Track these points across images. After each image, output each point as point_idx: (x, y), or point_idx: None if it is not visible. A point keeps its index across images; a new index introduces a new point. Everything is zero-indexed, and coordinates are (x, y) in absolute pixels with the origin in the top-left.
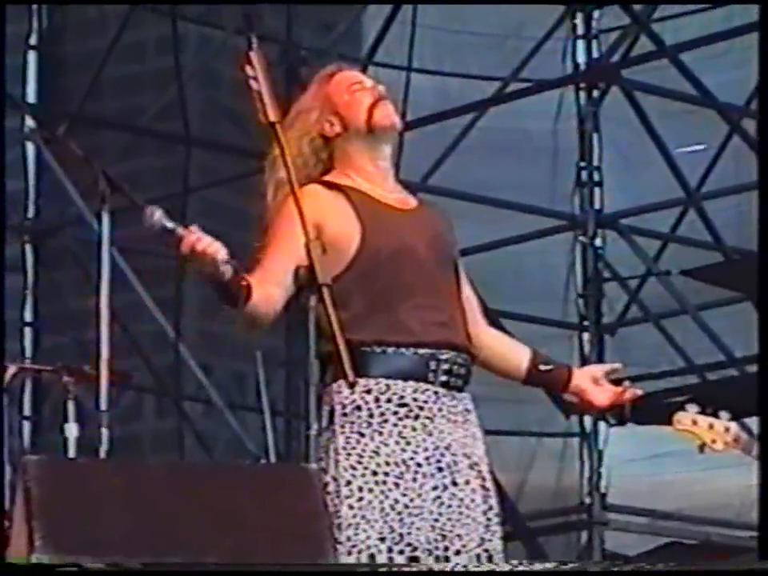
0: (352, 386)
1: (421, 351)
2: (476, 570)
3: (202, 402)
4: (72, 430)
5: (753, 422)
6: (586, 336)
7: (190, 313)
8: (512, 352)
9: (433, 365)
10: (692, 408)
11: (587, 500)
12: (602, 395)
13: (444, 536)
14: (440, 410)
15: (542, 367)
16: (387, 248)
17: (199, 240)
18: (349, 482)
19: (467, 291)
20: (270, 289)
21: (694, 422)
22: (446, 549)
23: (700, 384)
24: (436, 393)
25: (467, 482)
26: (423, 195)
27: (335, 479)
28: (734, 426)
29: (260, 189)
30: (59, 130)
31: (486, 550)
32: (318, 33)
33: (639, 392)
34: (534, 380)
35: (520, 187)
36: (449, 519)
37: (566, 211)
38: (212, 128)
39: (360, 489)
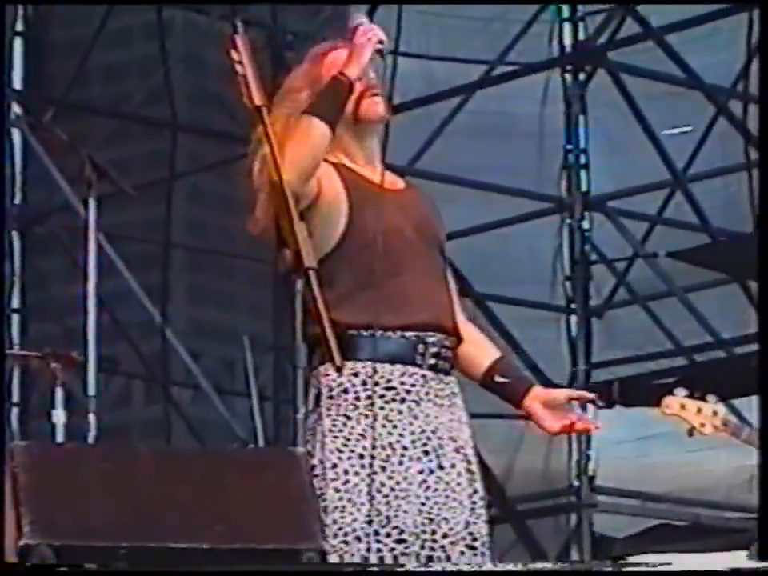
0: (339, 369)
1: (408, 334)
2: (476, 570)
3: (191, 387)
4: (60, 415)
5: (741, 404)
6: (573, 318)
7: (177, 299)
8: (477, 352)
9: (420, 348)
10: (680, 392)
11: (576, 483)
12: (553, 421)
13: (431, 519)
14: (427, 393)
15: (498, 378)
16: (375, 227)
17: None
18: (335, 465)
19: (451, 280)
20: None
21: (683, 407)
22: (434, 532)
23: (688, 366)
24: (424, 376)
25: (453, 466)
26: (410, 179)
27: (321, 462)
28: (722, 409)
29: (246, 165)
30: (45, 116)
31: (471, 533)
32: (303, 17)
33: (592, 426)
34: (488, 387)
35: (507, 170)
36: (435, 503)
37: (552, 194)
38: (198, 113)
39: (346, 472)
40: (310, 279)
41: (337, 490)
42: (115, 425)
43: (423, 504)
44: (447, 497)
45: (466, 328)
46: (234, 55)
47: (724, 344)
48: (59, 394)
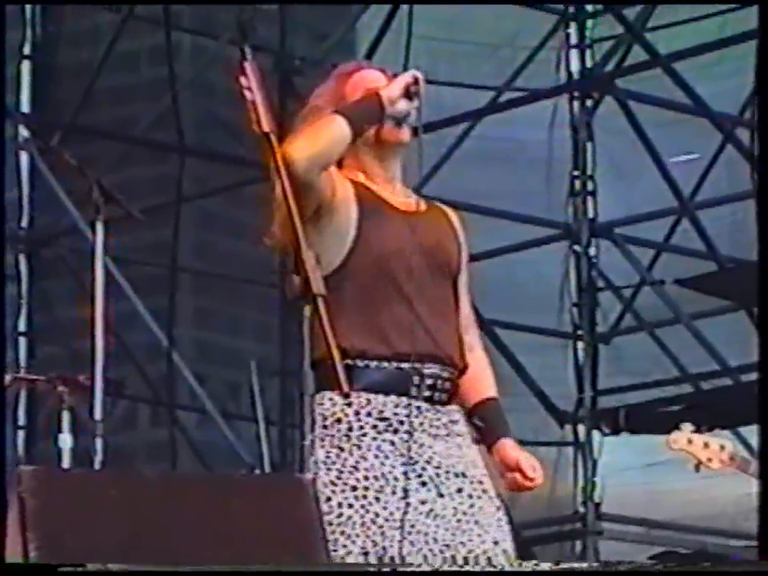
0: (347, 396)
1: (403, 365)
2: (476, 570)
3: (197, 411)
4: (66, 440)
5: (748, 432)
6: (580, 345)
7: (184, 322)
8: (469, 388)
9: (416, 379)
10: (687, 427)
11: (581, 509)
12: (505, 480)
13: (447, 546)
14: (421, 424)
15: (475, 421)
16: (380, 249)
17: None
18: (329, 498)
19: (465, 308)
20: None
21: (690, 441)
22: (453, 558)
23: (694, 393)
24: (418, 407)
25: (459, 491)
26: (439, 202)
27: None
28: (729, 444)
29: (271, 183)
30: (53, 139)
31: (505, 551)
32: (311, 42)
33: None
34: (472, 425)
35: (514, 196)
36: (446, 530)
37: (559, 220)
38: (206, 137)
39: (340, 504)
40: (318, 306)
41: (330, 524)
42: (121, 448)
43: (436, 532)
44: (459, 521)
45: (472, 358)
46: (243, 81)
47: (731, 371)
48: (66, 417)
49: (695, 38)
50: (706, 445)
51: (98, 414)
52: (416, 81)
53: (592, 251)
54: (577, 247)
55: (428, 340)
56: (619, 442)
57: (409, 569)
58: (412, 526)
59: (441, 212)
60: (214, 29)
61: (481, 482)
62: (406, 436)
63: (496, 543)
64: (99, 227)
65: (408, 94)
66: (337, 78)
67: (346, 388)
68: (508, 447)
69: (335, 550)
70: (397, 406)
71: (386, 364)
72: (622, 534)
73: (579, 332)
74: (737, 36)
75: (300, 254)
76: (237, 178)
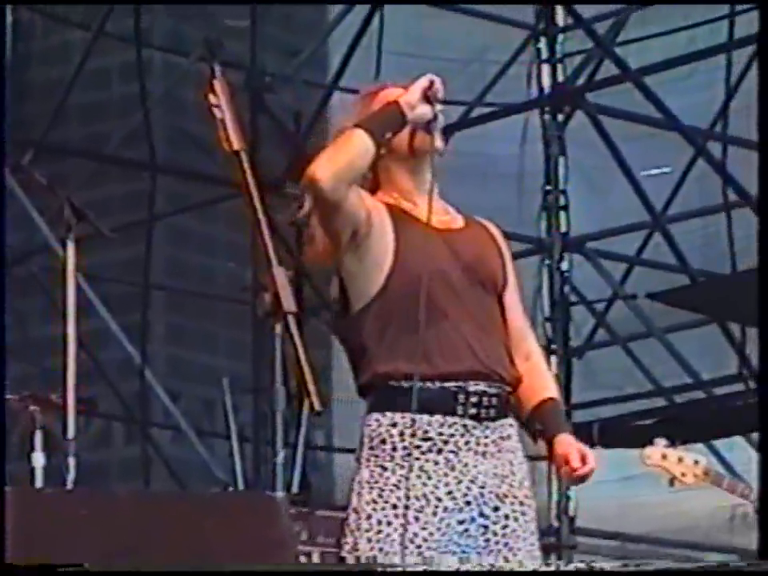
0: (318, 414)
1: (447, 384)
2: (476, 570)
3: (170, 428)
4: (39, 459)
5: (722, 445)
6: (553, 359)
7: (157, 340)
8: (530, 395)
9: (461, 398)
10: (660, 442)
11: (555, 523)
12: (562, 474)
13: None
14: (467, 443)
15: (536, 425)
16: (419, 270)
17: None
18: (369, 516)
19: (517, 320)
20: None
21: (664, 457)
22: None
23: (667, 407)
24: (465, 426)
25: (496, 509)
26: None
27: (356, 512)
28: (703, 459)
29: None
30: (24, 158)
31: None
32: (282, 58)
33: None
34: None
35: (486, 211)
36: (474, 548)
37: (532, 235)
38: (177, 154)
39: (379, 522)
40: (289, 323)
41: (369, 540)
42: (95, 465)
43: (464, 552)
44: (487, 540)
45: (531, 365)
46: (213, 99)
47: (703, 385)
48: (38, 437)
49: (665, 52)
50: (680, 460)
51: (70, 433)
52: (432, 85)
53: (564, 265)
54: (549, 262)
55: (473, 357)
56: (593, 456)
57: (409, 569)
58: (445, 546)
59: (480, 227)
60: (184, 46)
61: (522, 503)
62: (450, 456)
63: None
64: (70, 245)
65: (427, 98)
66: (362, 98)
67: (317, 405)
68: (562, 443)
69: None
70: (441, 425)
71: (429, 384)
72: (596, 548)
73: (552, 346)
74: (707, 50)
75: (270, 270)
76: (209, 195)
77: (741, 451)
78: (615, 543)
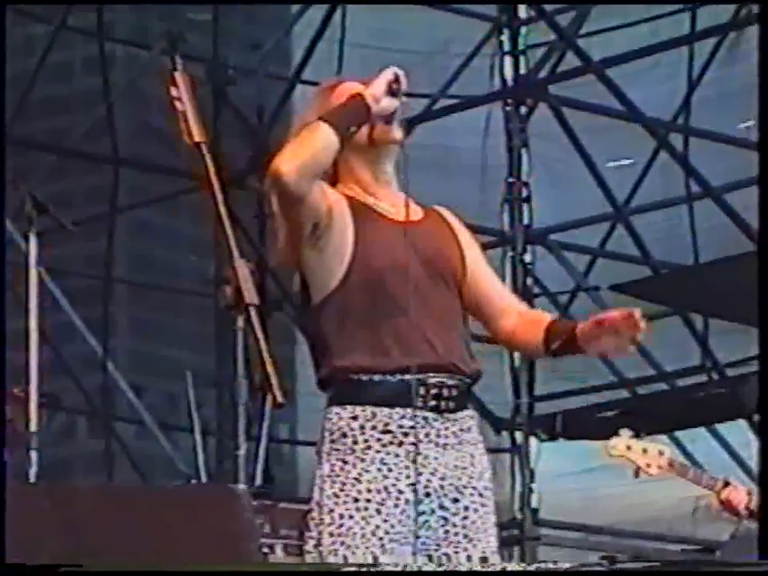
0: (280, 406)
1: (407, 377)
2: (476, 569)
3: (134, 422)
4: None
5: (684, 436)
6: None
7: (120, 334)
8: (533, 329)
9: (421, 390)
10: (625, 433)
11: (519, 515)
12: (605, 344)
13: (430, 557)
14: (427, 435)
15: (554, 346)
16: (379, 263)
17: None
18: (331, 510)
19: (496, 284)
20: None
21: (628, 447)
22: (435, 572)
23: (631, 398)
24: (425, 418)
25: (455, 501)
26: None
27: (319, 506)
28: (667, 449)
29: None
30: None
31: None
32: (244, 52)
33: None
34: (559, 355)
35: (448, 203)
36: (434, 540)
37: (495, 227)
38: (140, 147)
39: (341, 516)
40: (251, 316)
41: (331, 534)
42: (59, 460)
43: (423, 543)
44: (447, 531)
45: (523, 311)
46: (174, 92)
47: (666, 376)
48: (5, 431)
49: (628, 44)
50: (645, 450)
51: (32, 427)
52: (397, 78)
53: (527, 258)
54: (512, 254)
55: (431, 350)
56: (556, 448)
57: (409, 569)
58: (405, 537)
59: (437, 216)
60: (147, 39)
61: (482, 495)
62: (411, 448)
63: (484, 560)
64: (32, 239)
65: (391, 91)
66: (321, 92)
67: (279, 398)
68: (584, 327)
69: (336, 561)
70: (402, 417)
71: (389, 377)
72: (559, 540)
73: None
74: (669, 41)
75: (232, 262)
76: (172, 188)
77: (704, 442)
78: (578, 535)
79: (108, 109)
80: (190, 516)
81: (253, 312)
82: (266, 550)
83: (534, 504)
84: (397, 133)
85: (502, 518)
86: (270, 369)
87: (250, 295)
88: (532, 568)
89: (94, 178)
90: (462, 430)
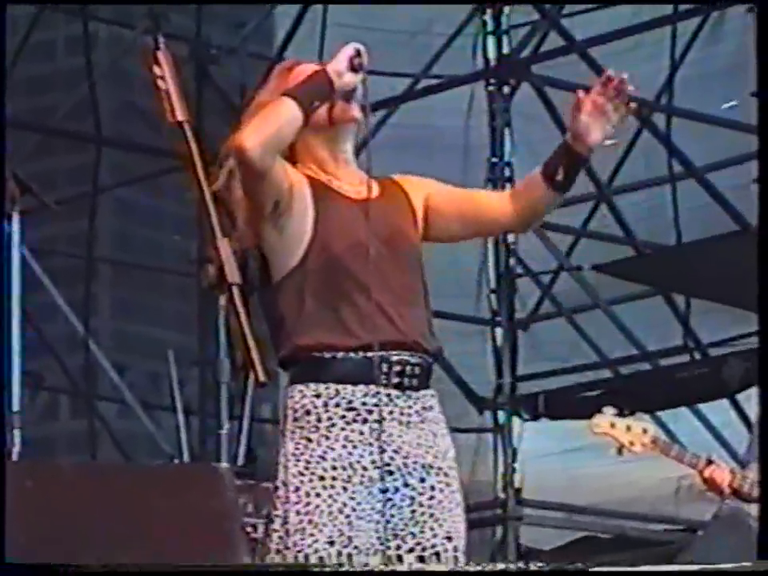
0: (263, 385)
1: (370, 354)
2: (474, 569)
3: (117, 402)
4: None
5: (666, 416)
6: (499, 331)
7: (103, 313)
8: (527, 187)
9: (384, 367)
10: (609, 411)
11: (502, 495)
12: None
13: (396, 535)
14: (391, 412)
15: (559, 177)
16: (338, 243)
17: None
18: (297, 488)
19: (474, 197)
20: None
21: (612, 425)
22: (398, 547)
23: (613, 378)
24: (388, 395)
25: (422, 480)
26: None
27: (285, 484)
28: (651, 427)
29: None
30: None
31: (456, 547)
32: (227, 31)
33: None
34: (564, 187)
35: None
36: (400, 519)
37: None
38: (123, 127)
39: (307, 494)
40: (234, 295)
41: (298, 513)
42: (41, 439)
43: (388, 522)
44: (413, 512)
45: (511, 193)
46: (156, 70)
47: (649, 356)
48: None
49: (611, 23)
50: (629, 428)
51: (15, 406)
52: (358, 53)
53: (510, 237)
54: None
55: (392, 328)
56: (539, 428)
57: (409, 569)
58: (370, 515)
59: (393, 188)
60: (130, 18)
61: (446, 474)
62: (375, 425)
63: (449, 539)
64: (15, 218)
65: (353, 67)
66: (278, 74)
67: (262, 377)
68: (570, 128)
69: (302, 539)
70: (365, 395)
71: (352, 354)
72: (542, 520)
73: (498, 318)
74: (652, 21)
75: (214, 242)
76: (155, 168)
77: (685, 422)
78: (561, 515)
79: (91, 88)
80: (173, 495)
81: (235, 291)
82: (248, 529)
83: (516, 484)
84: (355, 111)
85: (484, 497)
86: (252, 348)
87: (233, 274)
88: (533, 568)
89: (77, 158)
90: (424, 408)
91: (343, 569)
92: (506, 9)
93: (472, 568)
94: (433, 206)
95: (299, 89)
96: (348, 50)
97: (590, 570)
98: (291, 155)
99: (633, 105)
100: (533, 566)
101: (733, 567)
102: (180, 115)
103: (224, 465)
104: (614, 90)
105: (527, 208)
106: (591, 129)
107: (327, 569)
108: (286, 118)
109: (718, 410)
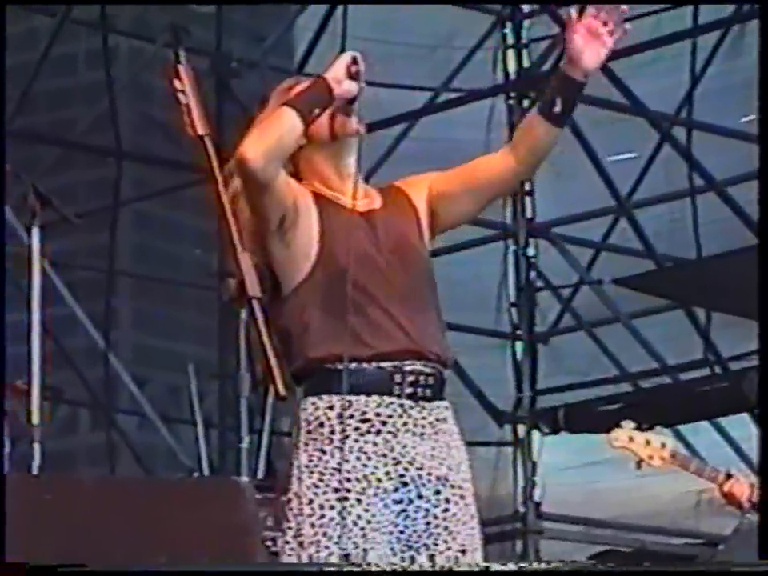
0: (283, 399)
1: (383, 364)
2: (474, 570)
3: (137, 415)
4: (4, 445)
5: (686, 429)
6: (519, 345)
7: (123, 326)
8: (525, 131)
9: (397, 377)
10: (628, 425)
11: (521, 509)
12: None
13: (409, 546)
14: (405, 423)
15: (556, 109)
16: (345, 258)
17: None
18: (311, 501)
19: (478, 167)
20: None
21: (631, 439)
22: (413, 559)
23: (633, 392)
24: (402, 405)
25: (437, 492)
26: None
27: (298, 496)
28: (670, 441)
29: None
30: None
31: (470, 563)
32: (248, 44)
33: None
34: (558, 117)
35: None
36: (414, 531)
37: (497, 220)
38: (143, 141)
39: (321, 506)
40: (254, 308)
41: (312, 525)
42: (61, 452)
43: (402, 533)
44: (428, 523)
45: (511, 148)
46: (177, 84)
47: (669, 370)
48: (3, 422)
49: (630, 37)
50: (648, 442)
51: (35, 419)
52: (355, 60)
53: (530, 251)
54: (515, 247)
55: (405, 337)
56: (558, 442)
57: (410, 568)
58: (385, 527)
59: (396, 195)
60: (150, 31)
61: (460, 487)
62: (389, 437)
63: (463, 552)
64: (35, 232)
65: (351, 75)
66: (278, 94)
67: (282, 392)
68: (566, 54)
69: (317, 552)
70: (379, 405)
71: (365, 365)
72: (562, 534)
73: (518, 332)
74: (672, 35)
75: (235, 255)
76: (175, 181)
77: (706, 435)
78: (581, 528)
79: (111, 102)
80: (193, 509)
81: (256, 305)
82: (268, 542)
83: (536, 497)
84: (357, 125)
85: (504, 511)
86: (272, 362)
87: (253, 288)
88: (526, 568)
89: (98, 171)
90: (438, 419)
91: (346, 569)
92: (527, 22)
93: (473, 568)
94: (437, 193)
95: (298, 98)
96: (345, 58)
97: (590, 570)
98: (295, 172)
99: (627, 26)
100: (537, 566)
101: (733, 567)
102: (201, 129)
103: (244, 478)
104: (606, 13)
105: (529, 151)
106: (586, 52)
107: (329, 569)
108: (287, 127)
109: (738, 424)
